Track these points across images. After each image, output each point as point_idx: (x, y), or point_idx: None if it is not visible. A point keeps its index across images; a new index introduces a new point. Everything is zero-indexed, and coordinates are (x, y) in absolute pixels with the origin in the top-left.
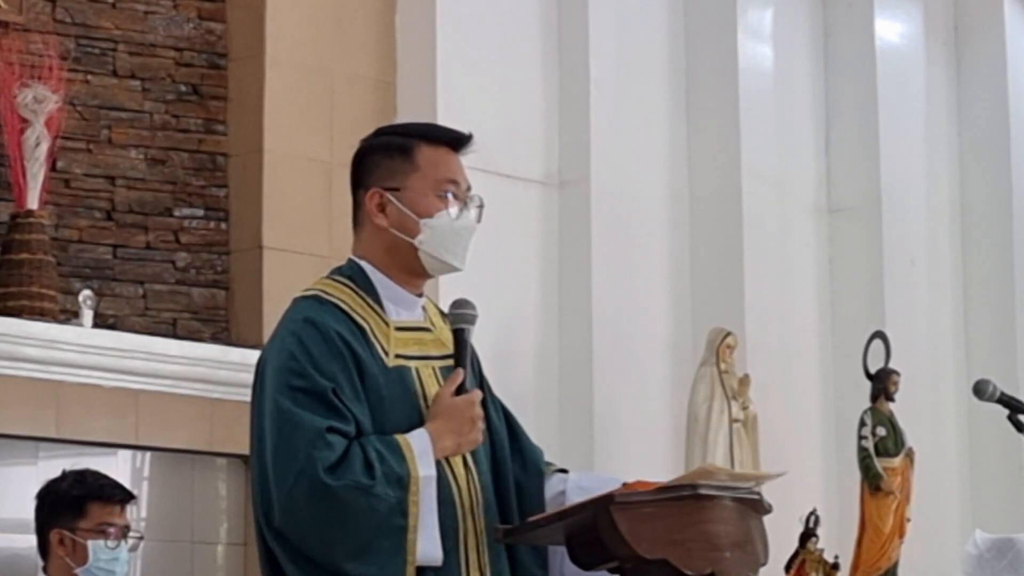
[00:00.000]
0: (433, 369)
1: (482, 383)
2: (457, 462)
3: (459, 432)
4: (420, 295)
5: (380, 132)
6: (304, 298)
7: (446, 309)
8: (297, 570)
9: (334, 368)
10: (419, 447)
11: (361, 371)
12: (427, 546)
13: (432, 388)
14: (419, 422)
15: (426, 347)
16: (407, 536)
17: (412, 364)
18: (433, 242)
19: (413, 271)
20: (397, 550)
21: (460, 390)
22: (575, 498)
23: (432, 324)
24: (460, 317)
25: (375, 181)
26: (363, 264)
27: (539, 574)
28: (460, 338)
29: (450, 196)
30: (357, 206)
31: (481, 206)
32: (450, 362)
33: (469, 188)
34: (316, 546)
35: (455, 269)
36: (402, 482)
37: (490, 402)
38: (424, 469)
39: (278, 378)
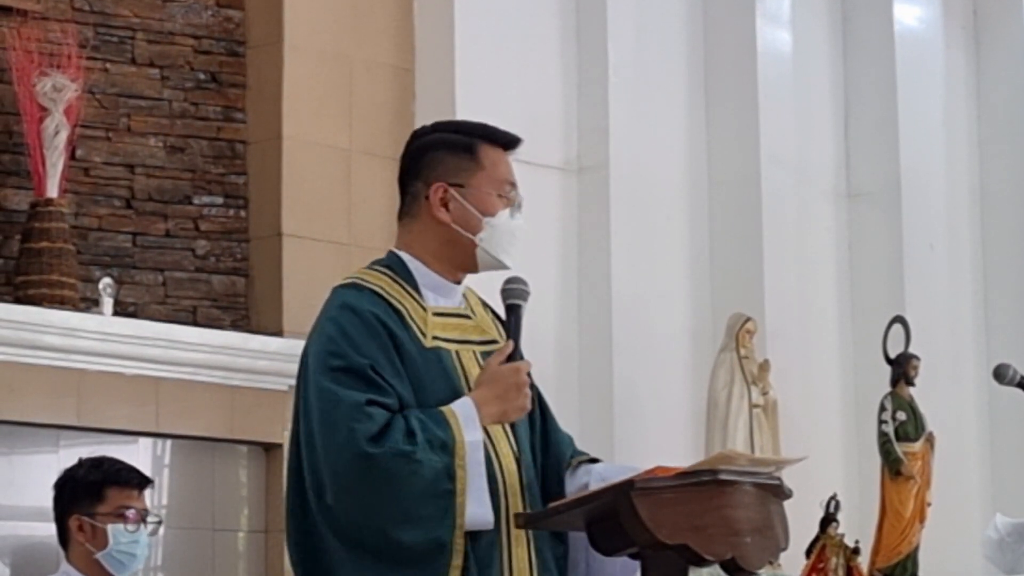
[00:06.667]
0: (474, 353)
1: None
2: (501, 440)
3: (504, 398)
4: (459, 283)
5: (437, 128)
6: (343, 286)
7: (483, 293)
8: (343, 547)
9: (372, 347)
10: (463, 414)
11: (399, 350)
12: (476, 509)
13: (473, 370)
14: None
15: (467, 332)
16: (455, 500)
17: (452, 347)
18: (492, 240)
19: (463, 266)
20: (445, 514)
21: (511, 361)
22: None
23: (472, 311)
24: (512, 292)
25: (439, 176)
26: (402, 255)
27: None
28: (513, 312)
29: (507, 197)
30: (412, 198)
31: (520, 205)
32: (491, 347)
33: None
34: (364, 517)
35: (505, 268)
36: (447, 447)
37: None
38: (469, 434)
39: (319, 362)
